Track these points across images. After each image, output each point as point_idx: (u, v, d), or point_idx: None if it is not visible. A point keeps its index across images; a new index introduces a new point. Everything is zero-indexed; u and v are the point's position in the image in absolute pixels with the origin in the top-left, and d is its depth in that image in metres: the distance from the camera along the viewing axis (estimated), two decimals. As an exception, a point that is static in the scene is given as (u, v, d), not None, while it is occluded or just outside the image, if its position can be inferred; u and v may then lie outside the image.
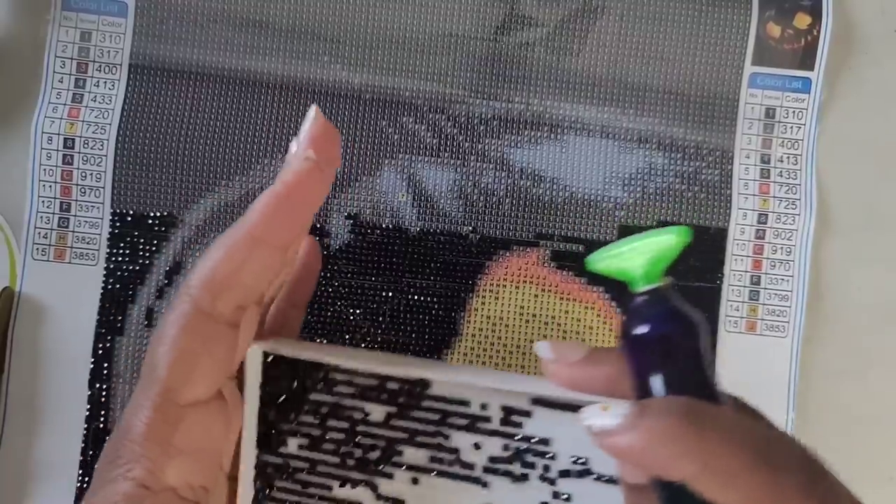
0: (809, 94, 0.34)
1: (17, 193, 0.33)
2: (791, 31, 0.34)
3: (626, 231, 0.34)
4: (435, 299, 0.33)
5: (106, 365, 0.33)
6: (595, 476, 0.24)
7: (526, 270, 0.34)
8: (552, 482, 0.24)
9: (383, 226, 0.34)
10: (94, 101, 0.34)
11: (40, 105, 0.33)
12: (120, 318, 0.33)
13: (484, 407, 0.25)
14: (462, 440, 0.25)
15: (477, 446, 0.25)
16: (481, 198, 0.34)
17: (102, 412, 0.33)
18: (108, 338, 0.33)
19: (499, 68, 0.34)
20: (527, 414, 0.25)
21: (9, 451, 0.33)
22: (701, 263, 0.34)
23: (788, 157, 0.34)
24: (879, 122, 0.35)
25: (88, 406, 0.33)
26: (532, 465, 0.25)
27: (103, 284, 0.33)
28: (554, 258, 0.34)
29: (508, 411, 0.25)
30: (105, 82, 0.34)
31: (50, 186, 0.33)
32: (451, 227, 0.34)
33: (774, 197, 0.34)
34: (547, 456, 0.25)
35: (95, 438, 0.33)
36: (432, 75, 0.34)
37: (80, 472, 0.33)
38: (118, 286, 0.33)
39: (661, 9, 0.34)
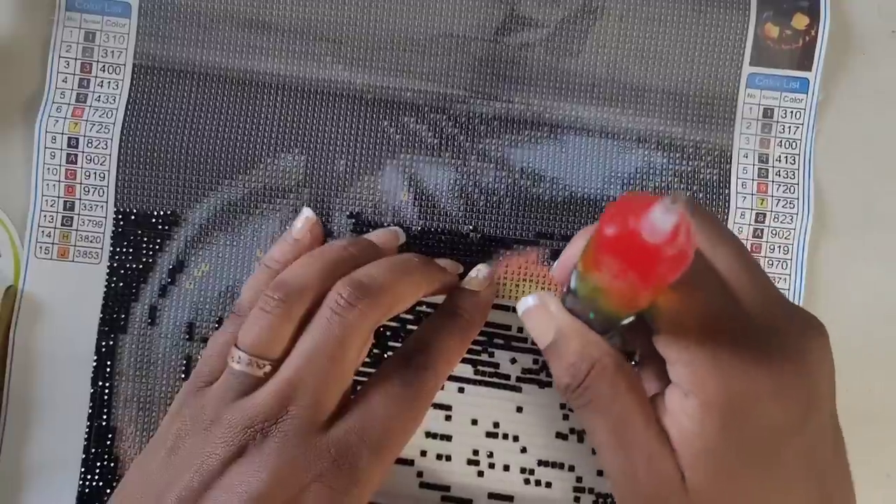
0: (807, 94, 0.34)
1: (20, 192, 0.34)
2: (789, 31, 0.34)
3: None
4: (436, 298, 0.34)
5: (109, 363, 0.33)
6: None
7: (526, 269, 0.34)
8: None
9: (385, 225, 0.34)
10: (98, 100, 0.34)
11: (44, 105, 0.34)
12: (123, 316, 0.33)
13: (520, 330, 0.34)
14: (501, 356, 0.34)
15: (513, 360, 0.34)
16: (482, 197, 0.34)
17: (105, 410, 0.33)
18: (111, 336, 0.33)
19: (499, 69, 0.34)
20: None
21: (10, 449, 0.33)
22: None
23: (786, 157, 0.35)
24: (877, 123, 0.35)
25: (91, 404, 0.33)
26: None
27: (106, 283, 0.33)
28: (554, 257, 0.34)
29: None
30: (109, 82, 0.34)
31: (54, 185, 0.33)
32: (451, 226, 0.34)
33: (772, 196, 0.34)
34: None
35: (98, 437, 0.33)
36: (433, 76, 0.34)
37: (83, 470, 0.33)
38: (121, 284, 0.33)
39: (660, 10, 0.34)
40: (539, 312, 0.27)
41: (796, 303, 0.34)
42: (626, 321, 0.24)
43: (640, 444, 0.24)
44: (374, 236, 0.32)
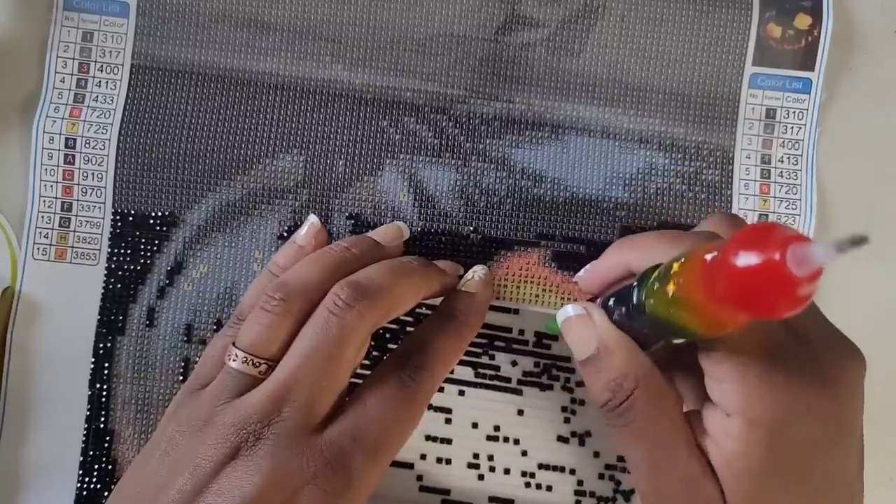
0: (810, 94, 0.34)
1: (18, 193, 0.33)
2: (791, 31, 0.34)
3: (626, 231, 0.34)
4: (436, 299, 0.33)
5: (106, 365, 0.33)
6: None
7: (527, 271, 0.34)
8: (571, 390, 0.34)
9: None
10: (96, 101, 0.34)
11: (42, 105, 0.33)
12: (121, 317, 0.33)
13: (521, 333, 0.34)
14: (502, 358, 0.34)
15: (514, 363, 0.34)
16: (482, 198, 0.34)
17: (103, 412, 0.33)
18: (109, 338, 0.33)
19: (500, 69, 0.34)
20: (554, 338, 0.34)
21: (8, 451, 0.33)
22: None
23: (789, 158, 0.34)
24: (879, 123, 0.35)
25: (88, 406, 0.33)
26: (556, 378, 0.34)
27: (104, 284, 0.33)
28: (555, 258, 0.34)
29: (540, 336, 0.34)
30: (107, 82, 0.34)
31: (51, 186, 0.33)
32: (452, 227, 0.34)
33: (775, 197, 0.34)
34: (568, 370, 0.34)
35: (95, 439, 0.33)
36: (434, 76, 0.34)
37: (80, 472, 0.33)
38: (119, 286, 0.33)
39: (662, 9, 0.34)
40: (581, 323, 0.26)
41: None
42: (678, 341, 0.23)
43: (680, 467, 0.24)
44: (378, 234, 0.32)
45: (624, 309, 0.25)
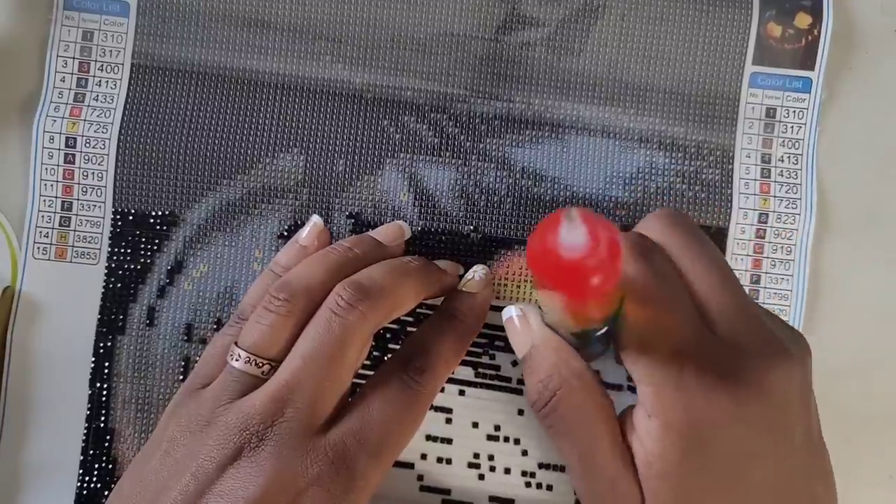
0: (810, 93, 0.34)
1: (18, 192, 0.33)
2: (792, 30, 0.34)
3: (627, 231, 0.34)
4: (436, 299, 0.33)
5: (107, 364, 0.33)
6: (603, 384, 0.29)
7: (527, 270, 0.34)
8: None
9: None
10: (96, 100, 0.34)
11: (42, 104, 0.33)
12: (121, 317, 0.33)
13: None
14: (502, 358, 0.33)
15: (514, 363, 0.33)
16: (483, 197, 0.34)
17: (103, 412, 0.33)
18: (109, 337, 0.33)
19: (500, 68, 0.34)
20: None
21: (8, 451, 0.33)
22: (702, 263, 0.34)
23: (789, 157, 0.34)
24: (880, 122, 0.35)
25: (89, 405, 0.33)
26: None
27: (104, 283, 0.33)
28: (555, 257, 0.34)
29: None
30: (107, 82, 0.34)
31: (51, 185, 0.33)
32: (452, 226, 0.34)
33: (775, 196, 0.34)
34: None
35: (96, 438, 0.33)
36: (434, 75, 0.34)
37: (80, 471, 0.33)
38: (119, 285, 0.33)
39: (662, 9, 0.34)
40: (519, 323, 0.27)
41: (798, 302, 0.34)
42: (598, 332, 0.23)
43: (605, 467, 0.24)
44: (379, 233, 0.32)
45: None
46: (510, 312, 0.28)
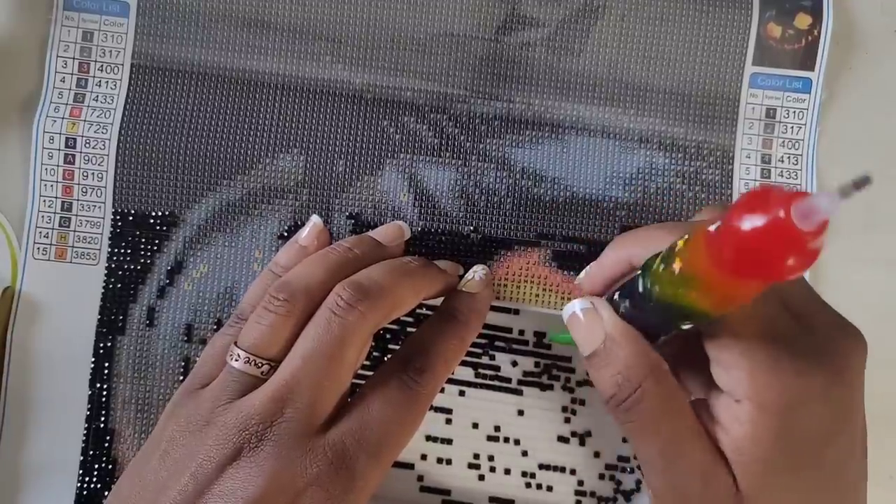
0: (810, 94, 0.34)
1: (18, 193, 0.33)
2: (791, 31, 0.34)
3: (626, 231, 0.34)
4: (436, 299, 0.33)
5: (107, 364, 0.33)
6: None
7: (527, 270, 0.34)
8: (571, 390, 0.34)
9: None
10: (96, 100, 0.34)
11: (42, 104, 0.33)
12: (121, 317, 0.33)
13: (521, 333, 0.34)
14: (502, 359, 0.34)
15: (514, 363, 0.34)
16: (483, 197, 0.34)
17: (103, 412, 0.33)
18: (109, 337, 0.33)
19: (500, 68, 0.34)
20: None
21: (8, 451, 0.33)
22: (702, 263, 0.34)
23: (789, 157, 0.34)
24: (880, 122, 0.35)
25: (89, 406, 0.33)
26: (556, 378, 0.34)
27: (104, 284, 0.33)
28: (555, 258, 0.34)
29: (540, 336, 0.34)
30: (107, 82, 0.34)
31: (51, 186, 0.33)
32: (452, 226, 0.34)
33: (775, 197, 0.34)
34: (568, 370, 0.34)
35: (96, 438, 0.33)
36: (434, 75, 0.34)
37: (80, 472, 0.33)
38: (119, 285, 0.33)
39: (662, 9, 0.34)
40: (586, 317, 0.26)
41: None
42: (686, 327, 0.23)
43: (694, 462, 0.23)
44: (379, 233, 0.32)
45: (629, 301, 0.25)
46: (574, 307, 0.26)
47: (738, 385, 0.23)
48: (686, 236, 0.21)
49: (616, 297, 0.26)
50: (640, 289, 0.23)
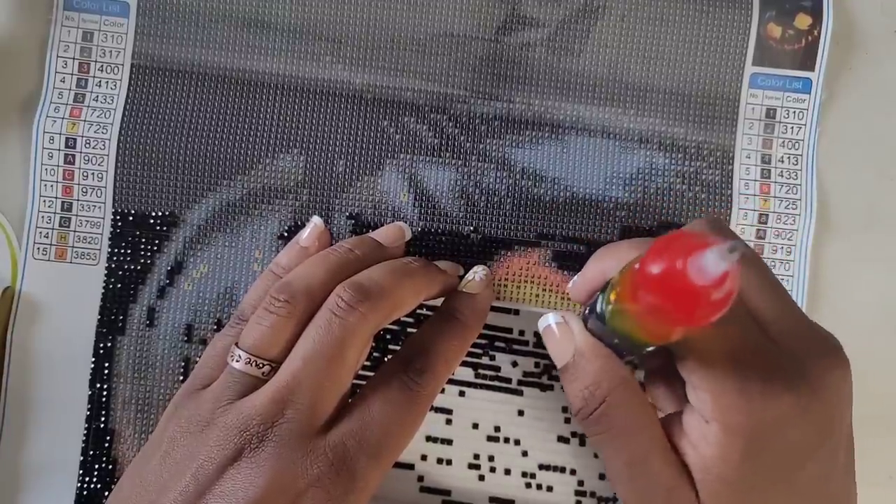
0: (810, 94, 0.34)
1: (18, 193, 0.33)
2: (792, 31, 0.34)
3: (627, 231, 0.34)
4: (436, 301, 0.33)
5: (107, 365, 0.33)
6: None
7: (527, 270, 0.34)
8: None
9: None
10: (96, 100, 0.34)
11: (42, 105, 0.33)
12: (121, 317, 0.33)
13: (522, 333, 0.34)
14: (502, 359, 0.34)
15: (514, 364, 0.34)
16: (483, 198, 0.34)
17: (103, 412, 0.33)
18: (109, 337, 0.33)
19: (500, 68, 0.34)
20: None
21: (8, 451, 0.33)
22: (702, 263, 0.34)
23: (789, 158, 0.34)
24: (880, 122, 0.35)
25: (89, 406, 0.33)
26: (556, 378, 0.33)
27: (104, 284, 0.33)
28: (555, 258, 0.34)
29: (540, 336, 0.31)
30: (107, 82, 0.34)
31: (51, 186, 0.33)
32: (452, 227, 0.34)
33: (775, 197, 0.34)
34: None
35: (96, 438, 0.33)
36: (434, 76, 0.34)
37: (81, 472, 0.33)
38: (119, 286, 0.33)
39: (662, 9, 0.34)
40: (559, 331, 0.26)
41: (799, 303, 0.34)
42: (650, 349, 0.23)
43: (659, 476, 0.24)
44: (380, 234, 0.32)
45: (595, 317, 0.25)
46: (548, 320, 0.27)
47: (705, 406, 0.23)
48: (624, 267, 0.21)
49: (587, 311, 0.26)
50: (598, 309, 0.24)
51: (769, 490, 0.23)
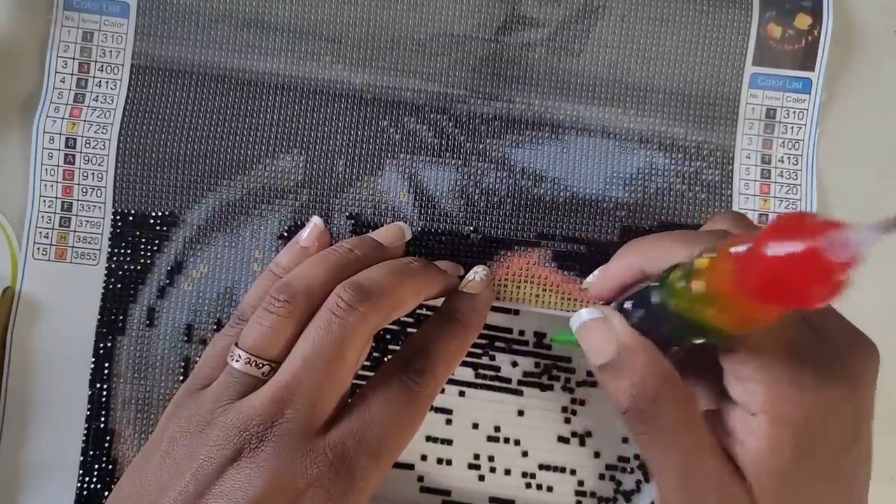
0: (810, 94, 0.34)
1: (18, 193, 0.33)
2: (792, 31, 0.34)
3: (627, 231, 0.34)
4: (436, 301, 0.33)
5: (107, 365, 0.33)
6: None
7: (527, 270, 0.34)
8: (571, 391, 0.34)
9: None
10: (96, 100, 0.34)
11: (42, 105, 0.33)
12: (121, 317, 0.33)
13: (522, 333, 0.34)
14: (502, 359, 0.34)
15: (514, 364, 0.34)
16: (483, 198, 0.34)
17: (103, 412, 0.33)
18: (109, 337, 0.33)
19: (500, 68, 0.34)
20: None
21: (8, 451, 0.33)
22: (702, 263, 0.34)
23: (789, 158, 0.34)
24: (879, 122, 0.35)
25: (89, 406, 0.33)
26: (556, 378, 0.34)
27: (104, 284, 0.33)
28: (555, 258, 0.34)
29: (540, 336, 0.34)
30: (107, 82, 0.34)
31: (51, 186, 0.33)
32: (452, 227, 0.34)
33: (775, 197, 0.34)
34: (568, 370, 0.34)
35: (96, 438, 0.33)
36: (434, 76, 0.34)
37: (80, 472, 0.33)
38: (119, 286, 0.33)
39: (662, 9, 0.34)
40: (599, 327, 0.25)
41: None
42: (699, 341, 0.23)
43: (711, 473, 0.23)
44: (380, 234, 0.32)
45: (643, 312, 0.24)
46: (583, 317, 0.25)
47: (755, 398, 0.23)
48: (707, 254, 0.21)
49: (628, 305, 0.25)
50: (656, 300, 0.23)
51: (818, 481, 0.23)
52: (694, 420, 0.24)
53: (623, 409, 0.24)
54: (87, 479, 0.33)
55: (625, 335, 0.24)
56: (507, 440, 0.34)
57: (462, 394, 0.34)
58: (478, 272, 0.31)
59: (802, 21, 0.34)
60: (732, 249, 0.19)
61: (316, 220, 0.32)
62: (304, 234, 0.32)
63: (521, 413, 0.34)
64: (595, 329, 0.25)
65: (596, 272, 0.29)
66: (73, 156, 0.33)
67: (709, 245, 0.21)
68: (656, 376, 0.24)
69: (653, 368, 0.24)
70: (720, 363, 0.24)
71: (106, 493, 0.33)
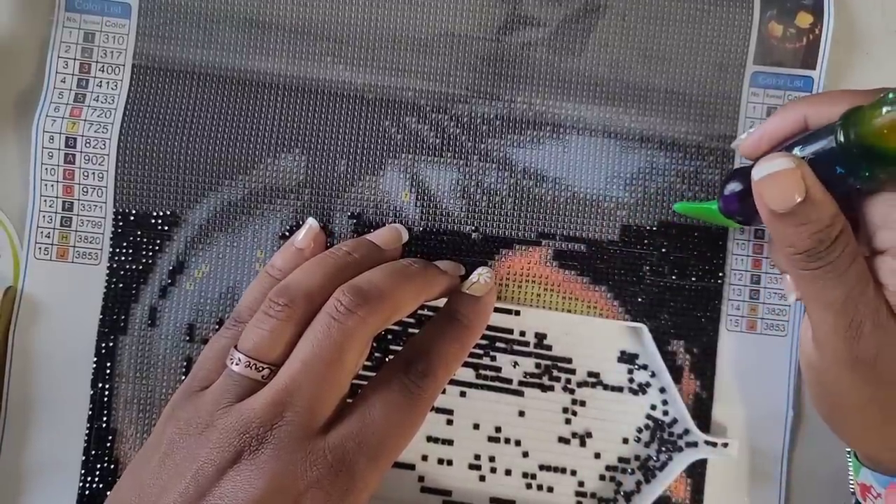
0: (811, 92, 0.34)
1: (19, 193, 0.33)
2: (793, 30, 0.34)
3: (627, 231, 0.34)
4: (438, 302, 0.33)
5: (108, 364, 0.33)
6: (603, 386, 0.34)
7: (528, 270, 0.34)
8: (572, 391, 0.34)
9: (386, 225, 0.34)
10: (97, 100, 0.34)
11: (42, 104, 0.33)
12: (123, 317, 0.33)
13: (523, 334, 0.34)
14: (503, 360, 0.34)
15: (515, 364, 0.34)
16: (484, 197, 0.34)
17: (105, 412, 0.33)
18: (111, 337, 0.33)
19: (501, 68, 0.34)
20: (555, 339, 0.34)
21: (10, 451, 0.33)
22: (702, 263, 0.34)
23: (790, 157, 0.34)
24: (881, 122, 0.35)
25: (91, 406, 0.33)
26: (557, 379, 0.34)
27: (106, 284, 0.33)
28: (556, 257, 0.34)
29: (541, 337, 0.34)
30: (108, 82, 0.34)
31: (52, 186, 0.33)
32: (453, 226, 0.34)
33: (776, 196, 0.34)
34: (568, 371, 0.34)
35: (97, 438, 0.33)
36: (435, 75, 0.34)
37: (83, 471, 0.33)
38: (121, 285, 0.33)
39: (663, 8, 0.34)
40: (790, 175, 0.25)
41: (799, 303, 0.34)
42: (867, 182, 0.25)
43: (871, 302, 0.25)
44: (377, 236, 0.32)
45: (812, 156, 0.26)
46: (776, 166, 0.26)
47: None
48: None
49: (797, 151, 0.27)
50: (840, 138, 0.25)
51: None
52: (860, 258, 0.26)
53: (802, 250, 0.26)
54: (88, 478, 0.33)
55: (813, 183, 0.25)
56: (507, 441, 0.34)
57: (463, 394, 0.34)
58: (481, 274, 0.31)
59: (803, 19, 0.34)
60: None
61: (311, 222, 0.32)
62: (300, 236, 0.32)
63: (521, 413, 0.34)
64: (784, 177, 0.26)
65: (750, 131, 0.30)
66: (74, 155, 0.33)
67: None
68: (839, 220, 0.25)
69: (837, 213, 0.25)
70: (868, 215, 0.26)
71: (108, 493, 0.33)
